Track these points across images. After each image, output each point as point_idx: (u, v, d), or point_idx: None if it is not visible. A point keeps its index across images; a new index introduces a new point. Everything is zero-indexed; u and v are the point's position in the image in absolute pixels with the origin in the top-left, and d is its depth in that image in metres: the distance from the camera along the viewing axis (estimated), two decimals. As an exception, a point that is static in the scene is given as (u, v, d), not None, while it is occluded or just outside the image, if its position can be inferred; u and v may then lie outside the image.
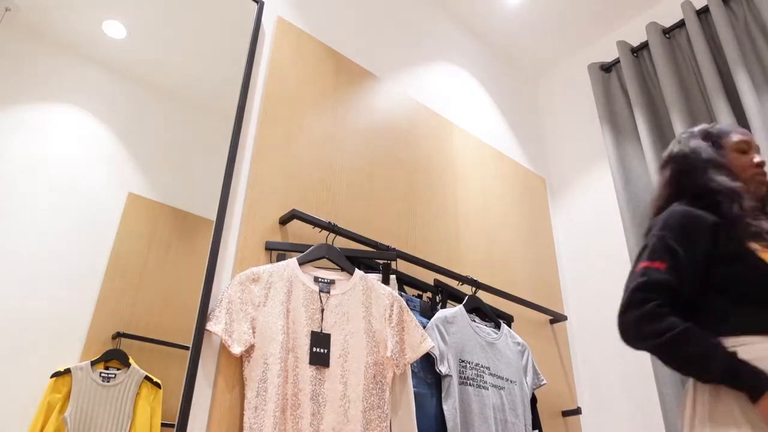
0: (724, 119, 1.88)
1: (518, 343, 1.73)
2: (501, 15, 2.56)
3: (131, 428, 1.05)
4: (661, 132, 2.13)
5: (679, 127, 1.99)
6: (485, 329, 1.65)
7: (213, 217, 1.32)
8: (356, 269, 1.41)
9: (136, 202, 1.22)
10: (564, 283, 2.37)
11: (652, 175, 2.03)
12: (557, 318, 2.17)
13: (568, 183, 2.54)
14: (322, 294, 1.33)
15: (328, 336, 1.29)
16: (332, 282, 1.37)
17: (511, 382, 1.62)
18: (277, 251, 1.39)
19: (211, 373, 1.19)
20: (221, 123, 1.44)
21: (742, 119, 1.89)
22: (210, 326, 1.18)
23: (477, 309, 1.69)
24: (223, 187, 1.36)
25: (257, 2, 1.66)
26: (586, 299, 2.26)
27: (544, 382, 1.73)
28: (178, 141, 1.35)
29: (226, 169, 1.38)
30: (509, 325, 1.83)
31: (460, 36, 2.56)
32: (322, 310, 1.32)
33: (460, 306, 1.62)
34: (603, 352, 2.12)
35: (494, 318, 1.72)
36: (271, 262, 1.38)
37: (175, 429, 1.09)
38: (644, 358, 1.96)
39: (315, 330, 1.28)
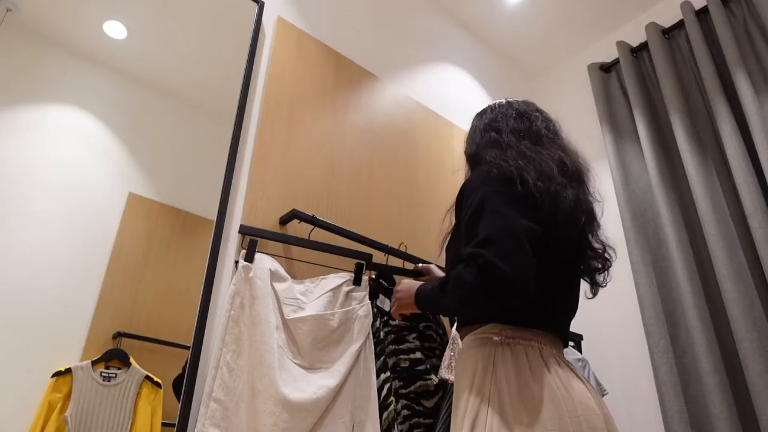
0: (723, 119, 1.88)
1: (579, 359, 1.81)
2: (501, 15, 2.56)
3: (132, 428, 1.06)
4: (661, 132, 2.13)
5: (678, 127, 1.99)
6: None
7: (213, 217, 1.32)
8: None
9: (137, 201, 1.22)
10: (563, 282, 2.37)
11: (651, 175, 2.03)
12: (557, 318, 2.17)
13: (567, 183, 2.53)
14: None
15: None
16: None
17: None
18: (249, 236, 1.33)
19: (211, 372, 1.19)
20: (221, 123, 1.45)
21: (740, 119, 1.89)
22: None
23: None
24: (223, 187, 1.36)
25: (257, 2, 1.67)
26: (585, 299, 2.26)
27: (607, 392, 1.84)
28: (179, 141, 1.36)
29: (227, 169, 1.38)
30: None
31: (460, 36, 2.56)
32: None
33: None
34: (603, 351, 2.12)
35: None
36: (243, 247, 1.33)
37: (175, 429, 1.09)
38: (644, 358, 1.96)
39: None
